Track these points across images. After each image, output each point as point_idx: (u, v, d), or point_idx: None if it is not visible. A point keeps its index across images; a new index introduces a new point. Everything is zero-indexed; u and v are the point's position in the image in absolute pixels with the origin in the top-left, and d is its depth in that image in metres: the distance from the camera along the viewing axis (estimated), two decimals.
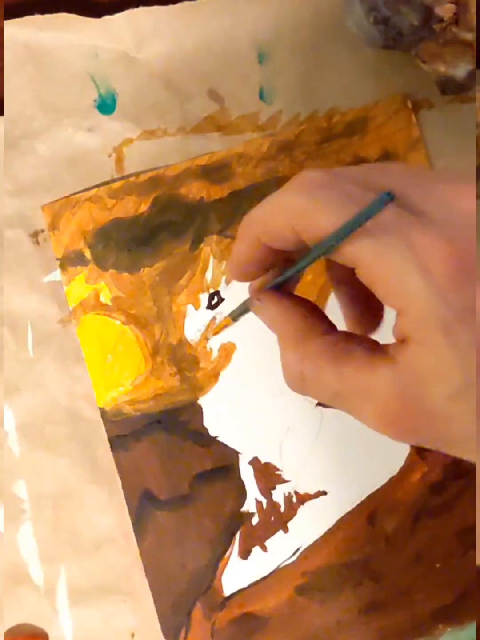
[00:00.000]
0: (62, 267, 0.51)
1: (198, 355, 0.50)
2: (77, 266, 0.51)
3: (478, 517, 0.48)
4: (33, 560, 0.50)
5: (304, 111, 0.51)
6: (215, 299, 0.50)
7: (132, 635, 0.50)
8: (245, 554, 0.49)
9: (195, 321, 0.51)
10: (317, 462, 0.50)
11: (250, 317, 0.50)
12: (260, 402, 0.50)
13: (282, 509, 0.50)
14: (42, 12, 0.50)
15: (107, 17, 0.50)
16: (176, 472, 0.50)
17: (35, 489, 0.51)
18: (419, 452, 0.49)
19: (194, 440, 0.50)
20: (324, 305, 0.50)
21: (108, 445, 0.50)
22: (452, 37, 0.43)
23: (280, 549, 0.49)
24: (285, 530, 0.49)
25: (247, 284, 0.49)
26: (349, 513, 0.49)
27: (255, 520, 0.50)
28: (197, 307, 0.50)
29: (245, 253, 0.34)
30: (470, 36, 0.43)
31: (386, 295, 0.29)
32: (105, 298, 0.51)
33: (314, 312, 0.34)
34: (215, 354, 0.50)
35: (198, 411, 0.50)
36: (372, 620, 0.48)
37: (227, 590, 0.49)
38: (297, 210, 0.31)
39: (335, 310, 0.50)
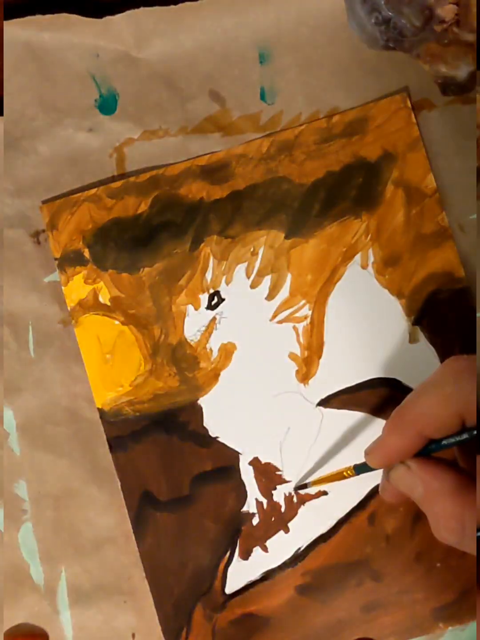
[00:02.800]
0: (61, 267, 0.51)
1: (198, 356, 0.50)
2: (75, 266, 0.51)
3: None
4: (33, 560, 0.50)
5: (305, 111, 0.51)
6: (215, 299, 0.50)
7: (133, 635, 0.50)
8: (245, 554, 0.49)
9: (195, 321, 0.51)
10: (317, 462, 0.50)
11: (249, 316, 0.50)
12: (261, 402, 0.50)
13: (283, 509, 0.50)
14: (43, 12, 0.50)
15: (108, 17, 0.50)
16: (176, 472, 0.50)
17: (35, 489, 0.51)
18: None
19: (194, 440, 0.50)
20: (324, 306, 0.50)
21: None
22: (454, 38, 0.44)
23: (281, 549, 0.49)
24: (286, 530, 0.49)
25: (247, 285, 0.50)
26: (349, 513, 0.50)
27: (255, 521, 0.50)
28: (197, 308, 0.50)
29: (403, 446, 0.38)
30: (471, 37, 0.43)
31: None
32: (104, 298, 0.51)
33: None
34: (215, 354, 0.50)
35: (198, 411, 0.50)
36: (373, 620, 0.48)
37: (228, 591, 0.49)
38: (464, 399, 0.34)
39: (335, 313, 0.50)
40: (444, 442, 0.37)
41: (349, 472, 0.44)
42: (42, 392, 0.51)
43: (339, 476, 0.45)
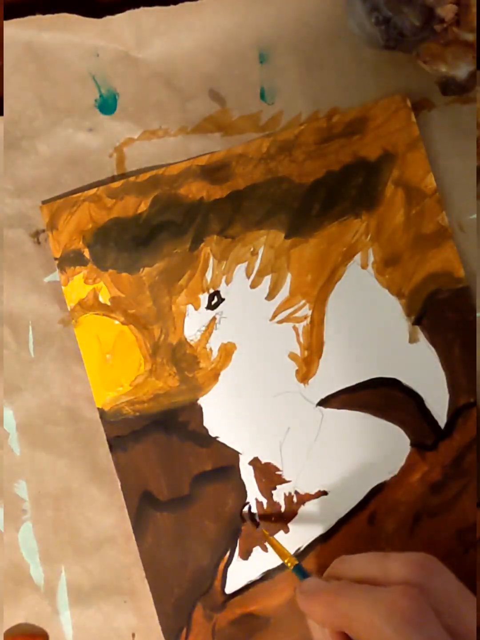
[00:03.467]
0: (61, 267, 0.51)
1: (198, 356, 0.50)
2: (75, 266, 0.51)
3: None
4: (33, 560, 0.50)
5: (305, 111, 0.51)
6: (215, 299, 0.50)
7: (133, 635, 0.50)
8: (245, 554, 0.49)
9: (195, 321, 0.50)
10: (317, 462, 0.50)
11: (249, 316, 0.50)
12: (261, 402, 0.50)
13: (283, 509, 0.50)
14: (43, 12, 0.50)
15: (108, 17, 0.50)
16: (176, 472, 0.50)
17: (35, 489, 0.51)
18: (419, 452, 0.49)
19: (193, 440, 0.50)
20: (324, 306, 0.50)
21: None
22: (454, 38, 0.44)
23: None
24: (286, 530, 0.49)
25: (247, 285, 0.50)
26: (349, 513, 0.49)
27: None
28: (197, 307, 0.50)
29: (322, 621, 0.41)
30: (471, 37, 0.43)
31: None
32: (104, 298, 0.51)
33: None
34: (215, 354, 0.50)
35: (198, 411, 0.50)
36: None
37: (228, 591, 0.49)
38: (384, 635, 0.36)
39: (335, 313, 0.50)
40: None
41: (289, 563, 0.46)
42: (42, 392, 0.51)
43: (280, 553, 0.47)
